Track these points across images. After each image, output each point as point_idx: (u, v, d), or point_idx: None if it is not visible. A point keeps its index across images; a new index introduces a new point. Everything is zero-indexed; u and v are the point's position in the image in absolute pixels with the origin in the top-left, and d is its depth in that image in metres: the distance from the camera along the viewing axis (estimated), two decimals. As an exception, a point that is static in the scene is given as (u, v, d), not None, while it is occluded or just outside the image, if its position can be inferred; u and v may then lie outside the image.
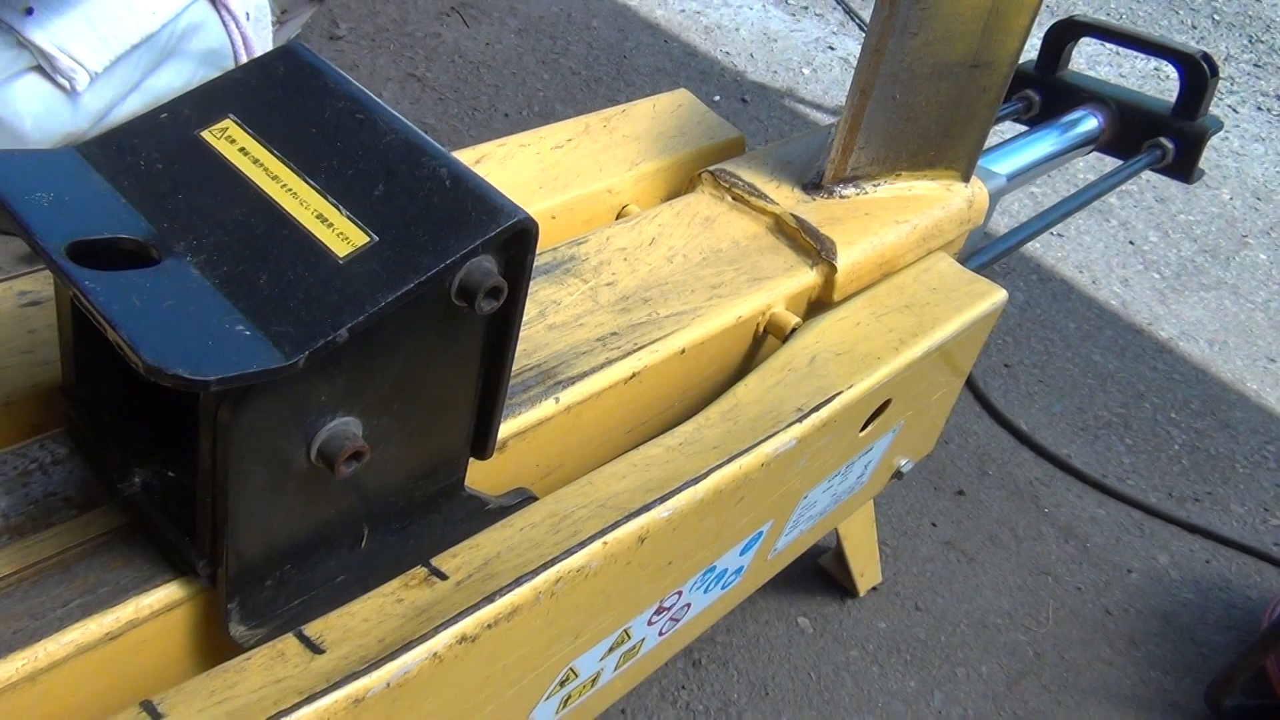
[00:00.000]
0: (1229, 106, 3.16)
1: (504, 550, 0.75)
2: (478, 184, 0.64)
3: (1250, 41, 3.54)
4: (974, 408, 1.96)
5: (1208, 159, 1.69)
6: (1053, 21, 1.68)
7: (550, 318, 0.93)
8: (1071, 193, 1.58)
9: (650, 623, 0.94)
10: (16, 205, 0.59)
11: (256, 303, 0.58)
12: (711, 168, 1.14)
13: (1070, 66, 1.71)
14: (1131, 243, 2.53)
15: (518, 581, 0.72)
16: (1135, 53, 2.89)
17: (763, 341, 1.05)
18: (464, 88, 2.40)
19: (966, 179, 1.21)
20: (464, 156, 1.07)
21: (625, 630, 0.90)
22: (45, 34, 1.60)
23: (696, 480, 0.83)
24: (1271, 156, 2.99)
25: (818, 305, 1.09)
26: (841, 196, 1.14)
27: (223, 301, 0.58)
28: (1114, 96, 1.65)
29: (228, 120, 0.67)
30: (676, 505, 0.82)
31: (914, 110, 1.12)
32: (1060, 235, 2.48)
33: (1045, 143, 1.56)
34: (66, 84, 1.62)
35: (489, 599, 0.71)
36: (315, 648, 0.66)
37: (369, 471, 0.66)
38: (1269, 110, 3.21)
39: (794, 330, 1.02)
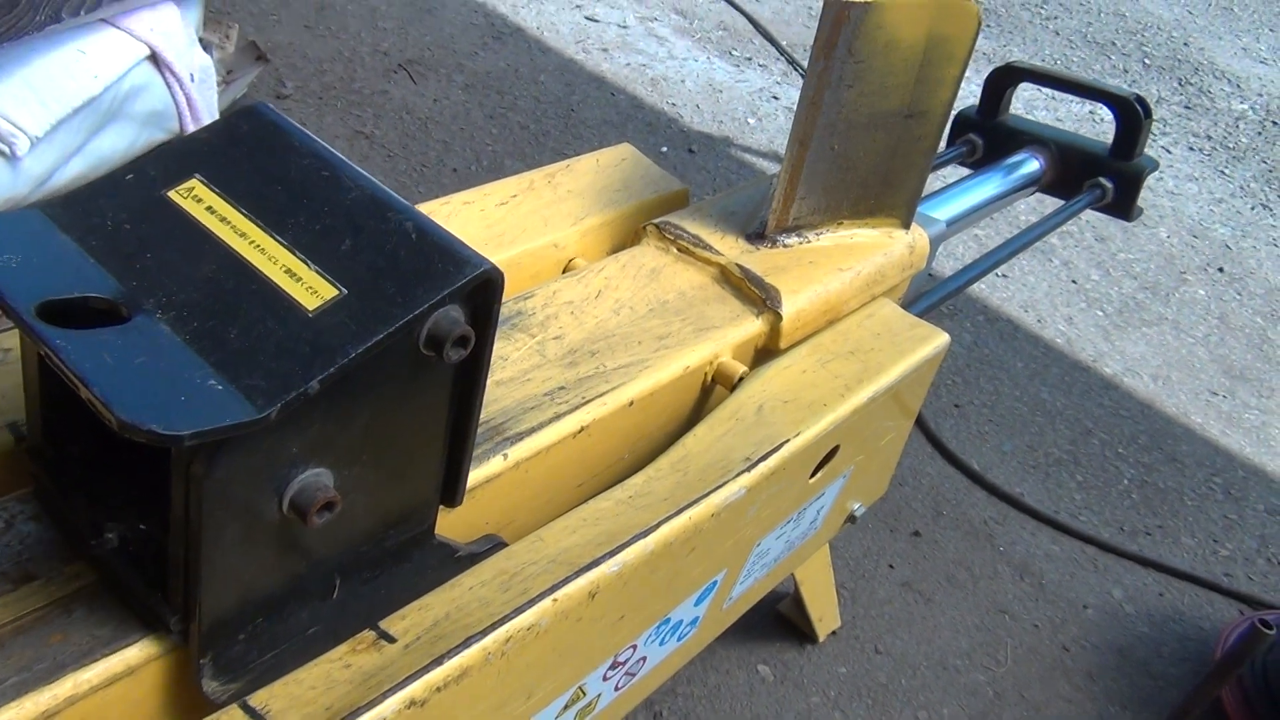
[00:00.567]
0: (1163, 148, 3.25)
1: (453, 610, 0.74)
2: (443, 236, 0.65)
3: (1180, 84, 3.66)
4: (926, 449, 1.98)
5: (1144, 199, 1.73)
6: (991, 68, 1.72)
7: (498, 373, 0.93)
8: (1014, 234, 1.61)
9: (605, 678, 0.93)
10: None
11: (228, 357, 0.58)
12: (656, 220, 1.16)
13: (1010, 111, 1.75)
14: (1074, 281, 2.58)
15: (466, 642, 0.72)
16: (1071, 96, 2.97)
17: (711, 391, 1.05)
18: (412, 144, 2.41)
19: (907, 226, 1.24)
20: (409, 214, 1.07)
21: (580, 687, 0.89)
22: (-15, 99, 1.59)
23: (646, 533, 0.83)
24: (1205, 195, 3.08)
25: (764, 353, 1.10)
26: (785, 245, 1.16)
27: (194, 357, 0.58)
28: (1054, 139, 1.69)
29: (194, 180, 0.68)
30: (626, 559, 0.81)
31: (852, 160, 1.14)
32: (1005, 276, 2.52)
33: (988, 186, 1.59)
34: (7, 149, 1.61)
35: (437, 661, 0.70)
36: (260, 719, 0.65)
37: (340, 522, 0.66)
38: (1200, 150, 3.30)
39: (741, 379, 1.03)
